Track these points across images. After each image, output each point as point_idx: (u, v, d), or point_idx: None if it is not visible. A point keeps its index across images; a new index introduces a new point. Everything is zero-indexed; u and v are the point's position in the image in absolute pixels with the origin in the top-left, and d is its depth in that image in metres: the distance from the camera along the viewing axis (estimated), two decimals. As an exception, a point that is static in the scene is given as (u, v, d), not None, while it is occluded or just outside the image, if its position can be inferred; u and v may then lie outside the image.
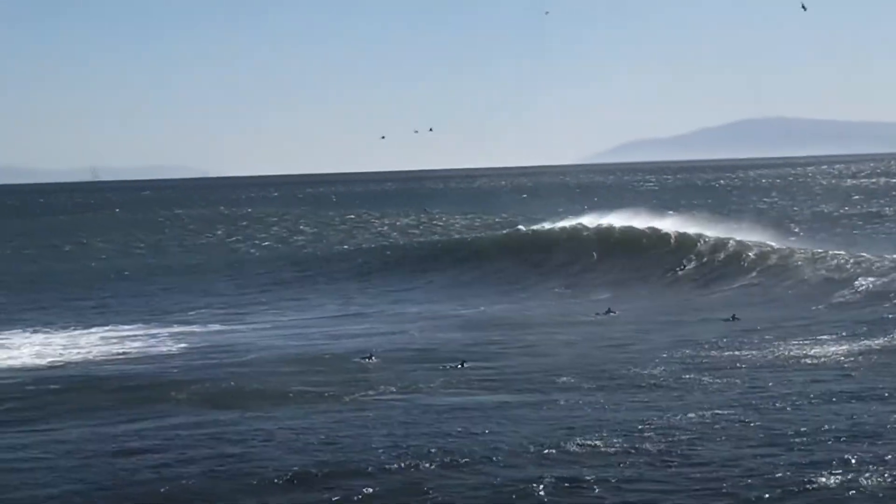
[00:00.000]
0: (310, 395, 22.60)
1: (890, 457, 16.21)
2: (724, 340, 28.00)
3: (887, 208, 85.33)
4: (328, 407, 21.28)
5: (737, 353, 26.01)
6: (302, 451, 17.73)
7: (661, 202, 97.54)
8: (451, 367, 25.40)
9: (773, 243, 46.42)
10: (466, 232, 74.23)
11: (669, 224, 52.06)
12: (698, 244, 47.08)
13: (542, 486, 15.39)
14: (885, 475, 15.37)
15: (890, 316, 31.11)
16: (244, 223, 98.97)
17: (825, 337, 27.73)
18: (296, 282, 51.38)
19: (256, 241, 78.96)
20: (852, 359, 24.49)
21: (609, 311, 35.60)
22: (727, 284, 42.04)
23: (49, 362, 29.02)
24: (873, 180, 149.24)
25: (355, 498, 15.41)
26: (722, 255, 45.51)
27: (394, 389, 22.82)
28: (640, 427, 18.40)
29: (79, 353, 30.63)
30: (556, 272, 48.26)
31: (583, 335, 30.59)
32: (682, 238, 48.37)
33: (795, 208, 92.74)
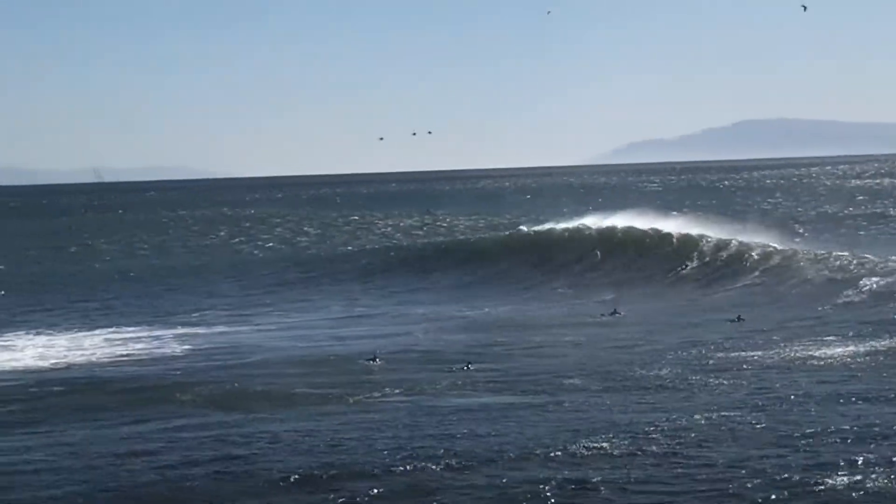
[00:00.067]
0: (315, 396, 22.55)
1: (898, 458, 16.14)
2: (730, 341, 27.94)
3: (892, 209, 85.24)
4: (333, 409, 21.23)
5: (743, 353, 25.94)
6: (307, 452, 17.67)
7: (666, 203, 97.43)
8: (456, 368, 25.33)
9: (777, 244, 46.32)
10: (470, 233, 74.18)
11: (674, 225, 52.00)
12: (703, 245, 46.99)
13: (548, 488, 15.32)
14: (893, 476, 15.30)
15: (895, 317, 31.03)
16: (248, 224, 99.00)
17: (831, 338, 27.65)
18: (300, 283, 51.33)
19: (260, 243, 78.96)
20: (859, 360, 24.42)
21: (615, 311, 35.53)
22: (731, 285, 41.97)
23: (53, 364, 29.00)
24: (877, 181, 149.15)
25: (360, 500, 15.36)
26: (726, 256, 45.44)
27: (399, 391, 22.76)
28: (646, 428, 18.33)
29: (82, 354, 30.60)
30: (561, 273, 48.18)
31: (589, 336, 30.53)
32: (687, 239, 48.29)
33: (800, 209, 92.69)
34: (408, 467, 16.58)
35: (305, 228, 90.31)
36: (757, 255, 44.26)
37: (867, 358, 24.57)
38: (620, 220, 53.43)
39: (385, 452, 17.42)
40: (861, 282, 37.08)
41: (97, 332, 35.46)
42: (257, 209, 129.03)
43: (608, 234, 51.68)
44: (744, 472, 15.78)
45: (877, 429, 17.89)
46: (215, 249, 75.63)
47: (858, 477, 15.33)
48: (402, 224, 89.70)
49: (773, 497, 14.73)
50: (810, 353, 25.54)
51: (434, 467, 16.54)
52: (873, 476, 15.35)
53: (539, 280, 47.31)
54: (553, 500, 14.99)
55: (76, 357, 30.10)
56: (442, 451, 17.36)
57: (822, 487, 15.02)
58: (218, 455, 17.71)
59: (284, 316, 39.20)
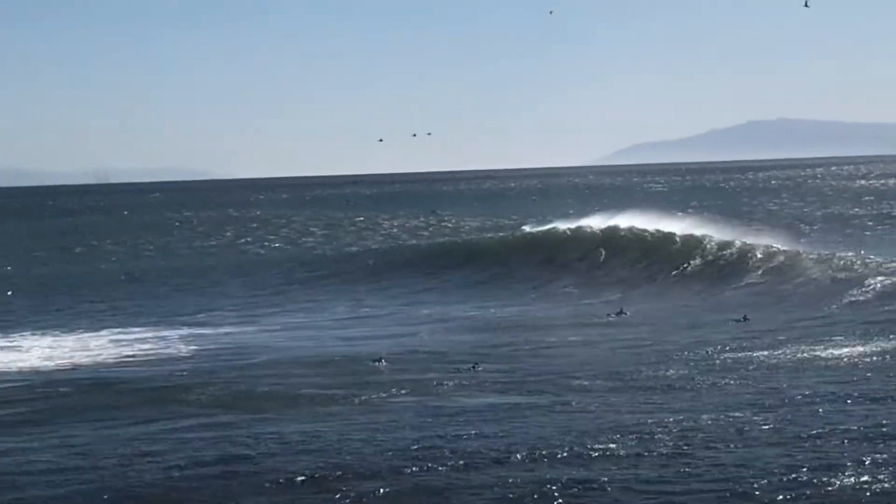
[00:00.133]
0: (321, 397, 22.52)
1: (906, 458, 16.10)
2: (737, 341, 27.91)
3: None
4: (340, 409, 21.20)
5: (749, 353, 25.89)
6: (314, 453, 17.65)
7: (672, 204, 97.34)
8: (463, 369, 25.30)
9: (783, 244, 46.25)
10: (476, 233, 74.14)
11: (680, 225, 51.91)
12: (708, 245, 46.90)
13: (555, 488, 15.29)
14: (902, 477, 15.26)
15: (903, 317, 30.99)
16: (254, 225, 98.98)
17: (838, 338, 27.60)
18: (306, 284, 51.31)
19: (266, 243, 78.95)
20: (866, 359, 24.36)
21: (621, 311, 35.52)
22: (737, 285, 41.89)
23: (59, 365, 29.00)
24: (882, 181, 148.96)
25: (367, 500, 15.33)
26: (730, 256, 45.32)
27: (405, 392, 22.73)
28: (654, 429, 18.29)
29: (89, 355, 30.60)
30: (567, 273, 48.13)
31: (595, 336, 30.50)
32: (692, 239, 48.20)
33: (806, 210, 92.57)
34: (415, 468, 16.55)
35: (311, 229, 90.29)
36: (762, 254, 44.16)
37: (875, 358, 24.51)
38: (627, 221, 53.37)
39: (392, 453, 17.40)
40: (867, 281, 36.99)
41: (103, 332, 35.47)
42: (263, 210, 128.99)
43: (614, 235, 51.63)
44: (751, 472, 15.74)
45: (885, 429, 17.83)
46: (221, 250, 75.65)
47: (866, 477, 15.28)
48: (407, 225, 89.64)
49: (781, 497, 14.69)
50: (817, 353, 25.49)
51: (441, 468, 16.52)
52: (881, 476, 15.30)
53: (545, 280, 47.28)
54: (561, 501, 14.96)
55: (82, 358, 30.11)
56: (449, 451, 17.33)
57: (830, 488, 14.98)
58: (224, 455, 17.69)
59: (290, 316, 39.21)
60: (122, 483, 16.49)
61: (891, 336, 27.28)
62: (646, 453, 16.87)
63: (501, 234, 62.80)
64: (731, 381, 22.40)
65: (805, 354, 25.32)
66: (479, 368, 25.20)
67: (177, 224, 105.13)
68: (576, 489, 15.29)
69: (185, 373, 26.36)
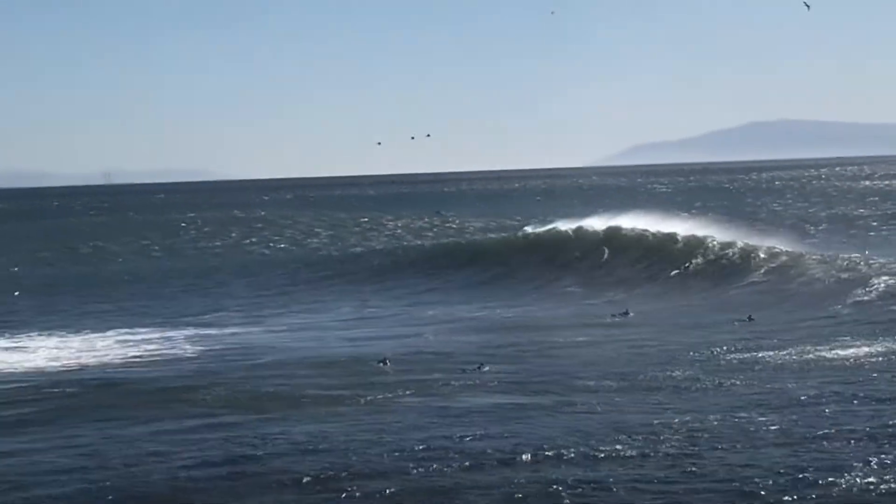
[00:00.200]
0: (326, 398, 22.54)
1: (912, 459, 16.10)
2: (742, 342, 27.90)
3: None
4: (345, 410, 21.21)
5: (754, 354, 25.89)
6: (319, 453, 17.67)
7: (676, 204, 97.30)
8: (469, 369, 25.31)
9: (787, 245, 46.21)
10: (480, 234, 74.14)
11: (684, 226, 51.87)
12: (711, 245, 46.85)
13: (561, 489, 15.31)
14: (908, 477, 15.26)
15: (908, 317, 30.96)
16: (259, 226, 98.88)
17: (844, 338, 27.59)
18: (311, 284, 51.36)
19: (271, 244, 78.94)
20: (871, 359, 24.35)
21: (626, 312, 35.52)
22: (741, 285, 41.86)
23: (65, 365, 29.04)
24: (887, 182, 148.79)
25: (373, 500, 15.36)
26: (734, 256, 45.25)
27: (410, 392, 22.73)
28: (659, 429, 18.30)
29: (95, 355, 30.64)
30: (569, 274, 48.11)
31: (600, 337, 30.51)
32: (694, 239, 48.16)
33: (811, 210, 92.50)
34: (420, 468, 16.57)
35: (316, 230, 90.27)
36: (765, 255, 44.13)
37: (880, 358, 24.50)
38: (631, 221, 53.32)
39: (397, 453, 17.42)
40: (872, 281, 36.93)
41: (109, 333, 35.50)
42: (267, 211, 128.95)
43: (617, 235, 51.61)
44: (757, 472, 15.75)
45: (891, 429, 17.82)
46: (226, 251, 75.66)
47: (873, 478, 15.28)
48: (412, 225, 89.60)
49: (787, 498, 14.69)
50: (822, 353, 25.48)
51: (447, 468, 16.54)
52: (888, 477, 15.30)
53: (547, 280, 47.28)
54: (567, 501, 14.97)
55: (89, 358, 30.14)
56: (455, 451, 17.35)
57: (836, 488, 14.98)
58: (230, 456, 17.72)
59: (296, 317, 39.23)
60: (128, 483, 16.53)
61: (896, 336, 27.27)
62: (652, 454, 16.89)
63: (504, 235, 62.81)
64: (737, 382, 22.39)
65: (810, 355, 25.31)
66: (485, 369, 25.20)
67: (182, 225, 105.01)
68: (582, 489, 15.31)
69: (190, 373, 26.38)
